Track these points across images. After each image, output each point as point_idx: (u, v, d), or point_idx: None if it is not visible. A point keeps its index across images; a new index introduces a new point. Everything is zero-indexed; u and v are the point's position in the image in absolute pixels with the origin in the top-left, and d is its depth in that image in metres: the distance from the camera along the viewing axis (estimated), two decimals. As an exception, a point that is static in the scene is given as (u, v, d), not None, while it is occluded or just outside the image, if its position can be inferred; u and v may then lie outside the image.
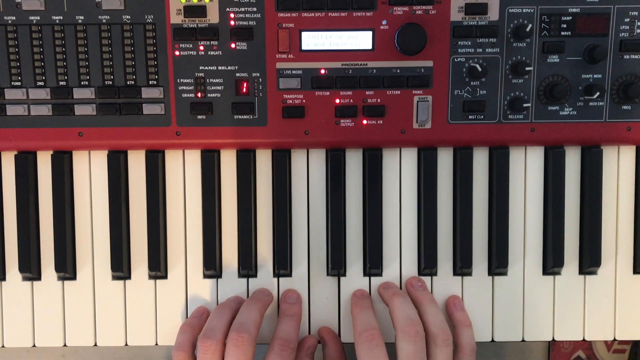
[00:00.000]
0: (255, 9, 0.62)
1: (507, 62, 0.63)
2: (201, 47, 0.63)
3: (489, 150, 0.66)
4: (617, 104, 0.64)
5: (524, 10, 0.63)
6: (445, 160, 0.66)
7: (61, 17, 0.62)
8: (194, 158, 0.66)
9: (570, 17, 0.63)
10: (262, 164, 0.66)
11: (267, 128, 0.64)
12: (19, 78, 0.63)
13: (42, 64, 0.63)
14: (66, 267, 0.65)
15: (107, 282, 0.66)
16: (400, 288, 0.67)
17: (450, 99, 0.64)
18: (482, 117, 0.64)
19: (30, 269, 0.65)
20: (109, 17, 0.62)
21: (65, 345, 0.67)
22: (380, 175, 0.66)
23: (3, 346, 0.66)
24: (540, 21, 0.63)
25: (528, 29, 0.62)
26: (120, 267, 0.65)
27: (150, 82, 0.63)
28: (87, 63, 0.63)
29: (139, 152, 0.66)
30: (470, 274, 0.67)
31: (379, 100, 0.64)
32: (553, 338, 0.67)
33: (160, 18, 0.62)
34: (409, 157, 0.66)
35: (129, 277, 0.66)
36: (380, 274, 0.67)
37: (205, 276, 0.66)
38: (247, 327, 0.59)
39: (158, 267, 0.65)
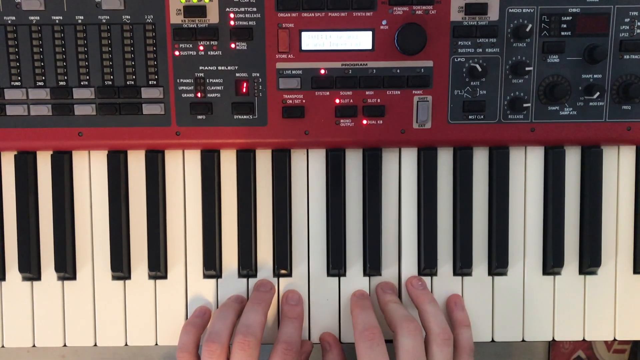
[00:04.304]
0: (255, 9, 0.62)
1: (507, 62, 0.63)
2: (201, 47, 0.63)
3: (489, 150, 0.66)
4: (617, 104, 0.64)
5: (524, 10, 0.63)
6: (445, 160, 0.66)
7: (61, 17, 0.62)
8: (193, 158, 0.66)
9: (570, 17, 0.63)
10: (262, 164, 0.66)
11: (267, 128, 0.64)
12: (19, 78, 0.63)
13: (42, 64, 0.63)
14: (66, 267, 0.65)
15: (107, 282, 0.66)
16: (400, 288, 0.67)
17: (450, 99, 0.64)
18: (482, 117, 0.64)
19: (30, 269, 0.65)
20: (108, 17, 0.62)
21: (65, 345, 0.67)
22: (380, 175, 0.66)
23: (3, 346, 0.66)
24: (540, 21, 0.63)
25: (528, 29, 0.62)
26: (120, 267, 0.65)
27: (150, 82, 0.63)
28: (87, 63, 0.63)
29: (139, 152, 0.66)
30: (470, 274, 0.67)
31: (379, 100, 0.64)
32: (553, 338, 0.67)
33: (160, 18, 0.62)
34: (409, 157, 0.66)
35: (128, 277, 0.66)
36: (380, 274, 0.67)
37: (205, 276, 0.66)
38: (253, 330, 0.59)
39: (158, 267, 0.65)
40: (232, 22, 0.62)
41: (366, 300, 0.65)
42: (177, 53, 0.63)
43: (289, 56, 0.63)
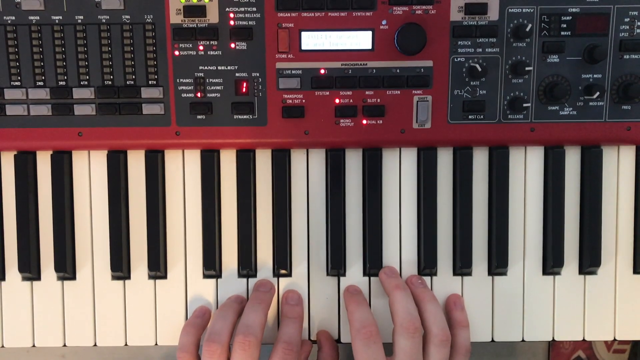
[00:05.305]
0: (255, 9, 0.62)
1: (507, 62, 0.63)
2: (201, 47, 0.63)
3: (488, 150, 0.66)
4: (617, 103, 0.64)
5: (524, 10, 0.63)
6: (445, 160, 0.66)
7: (61, 17, 0.62)
8: (193, 158, 0.66)
9: (570, 17, 0.63)
10: (262, 164, 0.66)
11: (266, 128, 0.64)
12: (19, 78, 0.63)
13: (42, 64, 0.63)
14: (66, 267, 0.65)
15: (106, 282, 0.66)
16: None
17: (450, 99, 0.64)
18: (482, 117, 0.64)
19: (30, 269, 0.65)
20: (108, 17, 0.62)
21: (65, 345, 0.67)
22: (380, 175, 0.66)
23: (3, 346, 0.66)
24: (540, 21, 0.63)
25: (528, 29, 0.62)
26: (120, 267, 0.65)
27: (150, 82, 0.63)
28: (86, 63, 0.63)
29: (139, 152, 0.66)
30: (470, 274, 0.67)
31: (378, 100, 0.64)
32: (553, 338, 0.67)
33: (160, 18, 0.62)
34: (409, 157, 0.66)
35: (128, 277, 0.66)
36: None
37: (205, 276, 0.66)
38: (253, 329, 0.59)
39: (158, 267, 0.65)
40: (232, 22, 0.62)
41: (361, 295, 0.65)
42: (177, 53, 0.63)
43: (289, 56, 0.63)
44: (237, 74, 0.63)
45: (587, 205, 0.66)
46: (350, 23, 0.62)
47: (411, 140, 0.65)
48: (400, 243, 0.67)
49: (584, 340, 0.68)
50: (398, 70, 0.63)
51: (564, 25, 0.63)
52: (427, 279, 0.67)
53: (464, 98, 0.64)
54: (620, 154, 0.67)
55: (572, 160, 0.66)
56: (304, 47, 0.63)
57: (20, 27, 0.62)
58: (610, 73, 0.64)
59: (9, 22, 0.62)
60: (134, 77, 0.63)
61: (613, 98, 0.64)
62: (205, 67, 0.63)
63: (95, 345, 0.67)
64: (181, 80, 0.63)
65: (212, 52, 0.63)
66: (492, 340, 0.67)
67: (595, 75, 0.64)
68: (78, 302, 0.66)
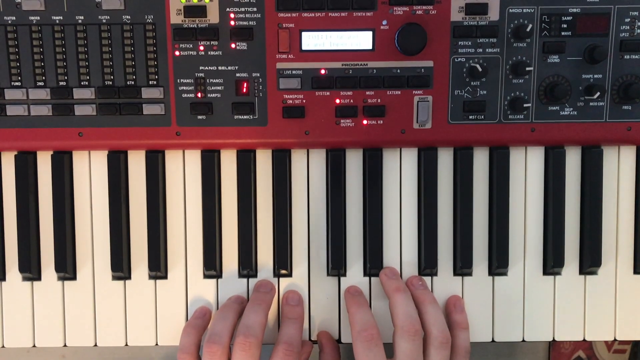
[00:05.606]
0: (255, 9, 0.62)
1: (507, 62, 0.63)
2: (201, 47, 0.63)
3: (489, 151, 0.66)
4: (618, 104, 0.64)
5: (524, 10, 0.63)
6: (445, 160, 0.66)
7: (61, 17, 0.62)
8: (194, 158, 0.66)
9: (571, 17, 0.63)
10: (262, 164, 0.66)
11: (267, 128, 0.64)
12: (19, 78, 0.63)
13: (42, 64, 0.63)
14: (66, 267, 0.65)
15: (107, 282, 0.66)
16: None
17: (450, 99, 0.64)
18: (482, 117, 0.64)
19: (30, 269, 0.65)
20: (109, 17, 0.62)
21: (65, 345, 0.67)
22: (380, 175, 0.66)
23: (3, 346, 0.66)
24: (540, 21, 0.63)
25: (528, 29, 0.62)
26: (120, 267, 0.65)
27: (150, 82, 0.63)
28: (87, 63, 0.63)
29: (139, 152, 0.66)
30: (470, 274, 0.67)
31: (379, 100, 0.64)
32: (553, 338, 0.67)
33: (160, 18, 0.62)
34: (409, 157, 0.66)
35: (129, 277, 0.66)
36: (380, 274, 0.67)
37: (206, 276, 0.66)
38: (253, 330, 0.59)
39: (158, 267, 0.65)
40: (232, 22, 0.62)
41: (362, 296, 0.65)
42: (177, 53, 0.63)
43: (289, 56, 0.63)
44: (237, 74, 0.63)
45: (588, 206, 0.66)
46: (350, 23, 0.62)
47: (411, 141, 0.65)
48: (400, 243, 0.67)
49: (584, 340, 0.68)
50: (398, 71, 0.63)
51: (565, 26, 0.63)
52: (427, 279, 0.67)
53: (464, 98, 0.64)
54: (620, 154, 0.67)
55: (573, 160, 0.66)
56: (304, 47, 0.63)
57: (20, 28, 0.62)
58: (611, 73, 0.64)
59: (10, 22, 0.62)
60: (134, 77, 0.63)
61: (613, 98, 0.64)
62: (206, 68, 0.63)
63: (95, 345, 0.67)
64: (181, 80, 0.63)
65: (212, 53, 0.63)
66: (493, 341, 0.67)
67: (595, 76, 0.64)
68: (78, 302, 0.66)
